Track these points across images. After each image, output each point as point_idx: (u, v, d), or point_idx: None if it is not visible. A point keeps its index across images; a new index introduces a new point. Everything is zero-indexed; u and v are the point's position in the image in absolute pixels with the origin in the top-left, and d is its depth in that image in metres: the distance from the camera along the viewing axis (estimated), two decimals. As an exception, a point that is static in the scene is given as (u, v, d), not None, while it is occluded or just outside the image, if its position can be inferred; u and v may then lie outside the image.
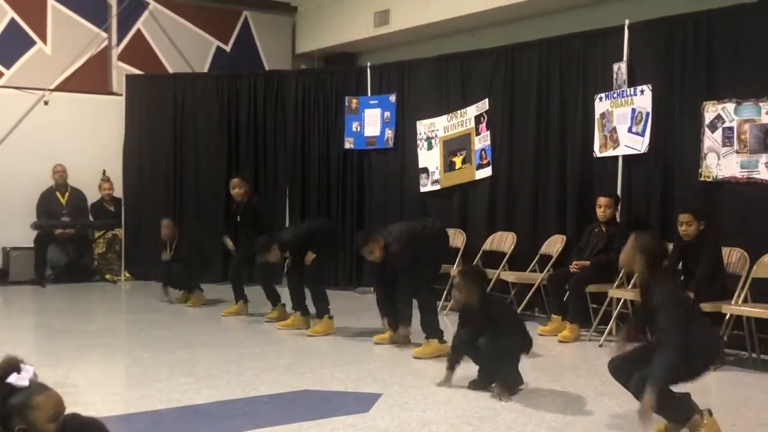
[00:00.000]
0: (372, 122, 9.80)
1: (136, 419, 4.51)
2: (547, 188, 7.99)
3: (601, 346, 6.56)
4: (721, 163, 6.48)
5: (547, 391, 5.18)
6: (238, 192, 8.11)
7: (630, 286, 6.56)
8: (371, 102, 9.84)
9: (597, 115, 7.47)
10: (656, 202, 7.05)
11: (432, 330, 6.20)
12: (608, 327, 6.74)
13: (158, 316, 8.07)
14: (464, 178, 8.81)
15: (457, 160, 8.91)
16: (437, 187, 9.08)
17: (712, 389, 5.37)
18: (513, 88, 8.40)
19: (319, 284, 7.25)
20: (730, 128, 6.42)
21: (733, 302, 5.93)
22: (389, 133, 9.63)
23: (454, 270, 7.51)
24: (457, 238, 8.64)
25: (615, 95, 7.30)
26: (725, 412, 4.77)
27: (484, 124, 8.63)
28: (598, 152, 7.46)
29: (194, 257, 9.24)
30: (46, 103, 10.43)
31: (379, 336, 6.65)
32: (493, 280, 7.55)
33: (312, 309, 7.26)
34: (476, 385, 5.16)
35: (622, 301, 6.75)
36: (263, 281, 7.84)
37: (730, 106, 6.42)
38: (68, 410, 2.53)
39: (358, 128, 9.89)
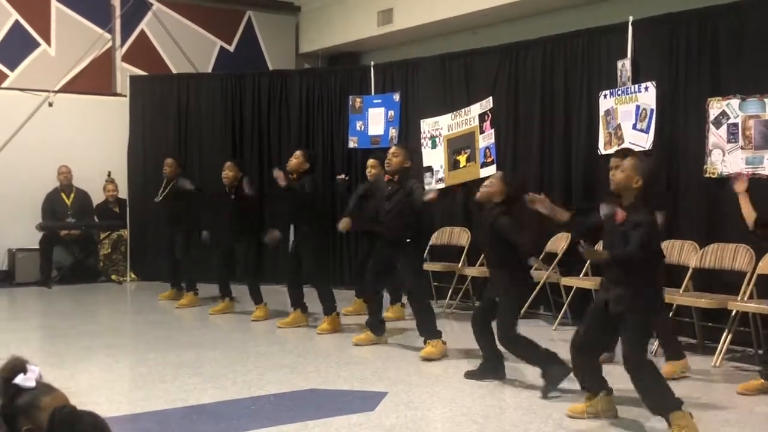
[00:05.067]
0: (376, 121, 9.79)
1: (142, 420, 4.52)
2: (551, 186, 7.97)
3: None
4: (726, 159, 6.46)
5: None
6: (226, 174, 8.00)
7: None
8: (375, 101, 9.82)
9: (601, 113, 7.44)
10: (661, 199, 7.01)
11: (432, 332, 6.12)
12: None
13: (163, 317, 8.08)
14: (469, 176, 8.78)
15: (462, 159, 8.89)
16: (442, 185, 9.06)
17: (717, 386, 5.37)
18: (517, 86, 8.39)
19: (323, 282, 7.28)
20: (735, 124, 6.40)
21: (738, 299, 5.92)
22: (393, 132, 9.61)
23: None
24: (461, 236, 8.64)
25: (619, 92, 7.28)
26: (731, 408, 4.77)
27: (488, 123, 8.60)
28: (602, 149, 7.43)
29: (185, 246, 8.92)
30: (50, 104, 10.45)
31: (358, 337, 6.59)
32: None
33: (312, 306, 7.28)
34: (472, 374, 5.31)
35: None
36: (249, 280, 7.89)
37: (735, 102, 6.40)
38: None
39: (362, 127, 9.87)
